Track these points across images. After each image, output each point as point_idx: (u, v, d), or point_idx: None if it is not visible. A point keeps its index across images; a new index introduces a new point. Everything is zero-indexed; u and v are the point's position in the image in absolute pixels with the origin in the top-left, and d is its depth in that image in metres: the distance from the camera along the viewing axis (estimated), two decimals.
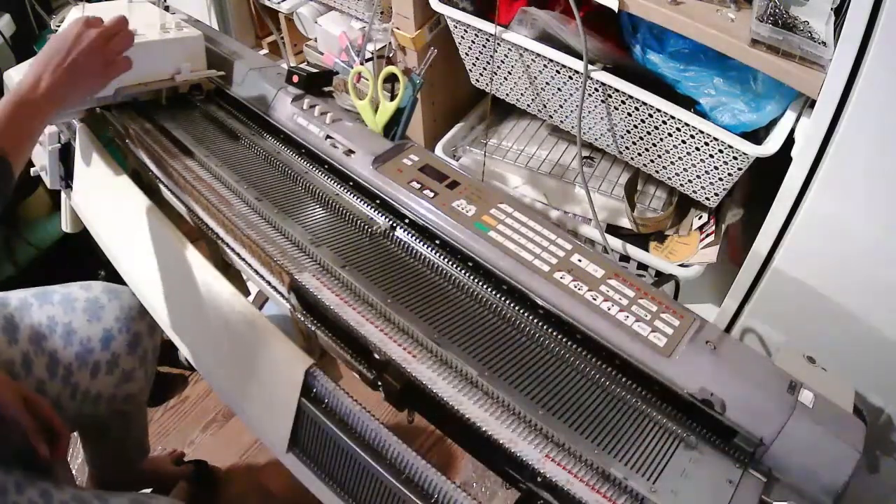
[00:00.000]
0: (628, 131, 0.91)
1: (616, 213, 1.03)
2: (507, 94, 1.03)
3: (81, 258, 1.49)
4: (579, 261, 0.63)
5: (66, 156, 0.87)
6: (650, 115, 0.87)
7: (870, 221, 0.71)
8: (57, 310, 0.85)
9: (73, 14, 0.86)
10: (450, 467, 1.22)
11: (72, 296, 0.88)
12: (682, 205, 1.02)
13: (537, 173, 1.10)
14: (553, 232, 0.66)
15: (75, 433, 1.02)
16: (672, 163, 0.90)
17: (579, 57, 0.86)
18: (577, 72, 0.89)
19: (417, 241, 0.67)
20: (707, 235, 0.96)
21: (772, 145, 0.78)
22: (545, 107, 1.00)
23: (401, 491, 0.52)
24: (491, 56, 0.98)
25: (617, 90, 0.86)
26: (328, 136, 0.76)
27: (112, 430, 1.00)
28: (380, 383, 0.57)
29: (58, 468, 0.75)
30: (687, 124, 0.83)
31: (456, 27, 1.00)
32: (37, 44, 1.40)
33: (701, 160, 0.86)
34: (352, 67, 0.86)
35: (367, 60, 1.06)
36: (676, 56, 0.85)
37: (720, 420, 0.53)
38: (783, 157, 0.76)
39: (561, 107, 0.97)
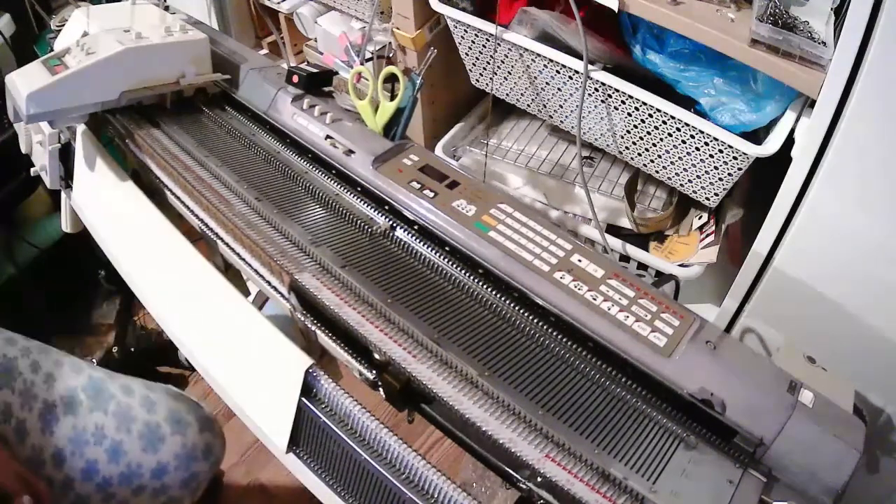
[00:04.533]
0: (628, 131, 0.91)
1: (616, 213, 1.03)
2: (507, 94, 1.03)
3: (81, 258, 1.49)
4: (579, 261, 0.63)
5: (65, 156, 0.87)
6: (650, 115, 0.87)
7: (870, 221, 0.71)
8: (109, 422, 0.79)
9: (77, 16, 0.86)
10: (450, 467, 1.22)
11: (130, 413, 0.80)
12: (682, 205, 1.02)
13: (537, 173, 1.10)
14: (553, 232, 0.66)
15: None
16: (672, 163, 0.90)
17: (579, 57, 0.86)
18: (577, 72, 0.89)
19: (417, 241, 0.67)
20: (707, 235, 0.96)
21: (772, 145, 0.78)
22: (545, 107, 1.00)
23: (401, 491, 0.52)
24: (491, 56, 0.98)
25: (617, 90, 0.86)
26: (328, 136, 0.76)
27: None
28: (380, 383, 0.57)
29: None
30: (687, 124, 0.83)
31: (456, 27, 1.00)
32: (37, 44, 1.40)
33: (701, 160, 0.86)
34: (352, 67, 0.86)
35: (367, 60, 1.06)
36: (676, 56, 0.85)
37: (720, 420, 0.53)
38: (783, 157, 0.76)
39: (561, 107, 0.97)
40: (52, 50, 0.96)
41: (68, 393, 0.78)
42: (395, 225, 0.69)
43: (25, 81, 0.72)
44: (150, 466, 0.80)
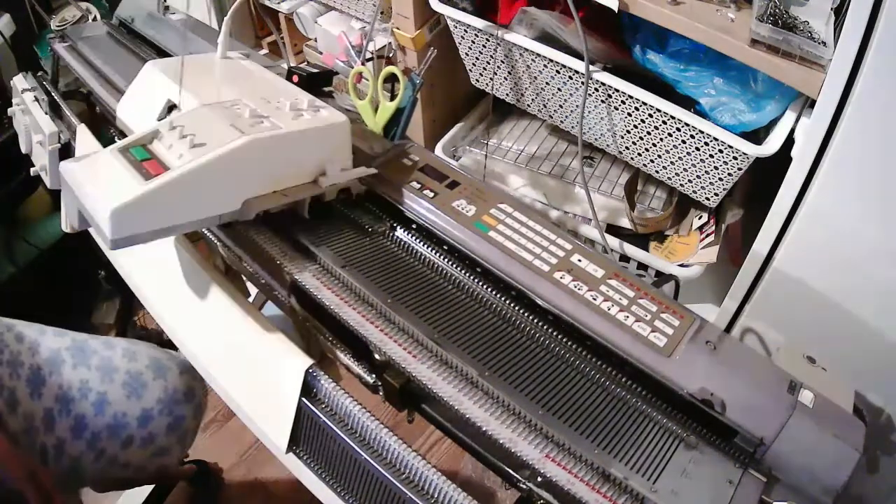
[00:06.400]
0: (628, 131, 0.91)
1: (616, 213, 1.03)
2: (507, 94, 1.03)
3: (81, 258, 1.49)
4: (579, 261, 0.63)
5: (65, 156, 0.87)
6: (650, 115, 0.87)
7: (870, 221, 0.71)
8: (93, 375, 0.80)
9: (149, 72, 0.67)
10: (450, 467, 1.22)
11: (112, 363, 0.82)
12: (682, 205, 1.02)
13: (537, 173, 1.10)
14: (553, 232, 0.66)
15: None
16: (672, 163, 0.90)
17: (579, 57, 0.86)
18: (577, 72, 0.89)
19: (417, 241, 0.67)
20: (707, 235, 0.96)
21: (772, 145, 0.78)
22: (545, 107, 1.00)
23: (401, 491, 0.52)
24: (491, 56, 0.98)
25: (617, 90, 0.86)
26: None
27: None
28: (379, 384, 0.57)
29: None
30: (687, 124, 0.83)
31: (456, 27, 1.00)
32: (37, 44, 1.40)
33: (701, 160, 0.86)
34: (352, 67, 0.86)
35: (368, 60, 1.06)
36: (676, 56, 0.85)
37: (720, 420, 0.53)
38: (783, 157, 0.76)
39: (561, 107, 0.97)
40: (52, 51, 0.96)
41: (52, 354, 0.79)
42: (395, 225, 0.69)
43: (104, 186, 0.52)
44: (135, 414, 0.81)
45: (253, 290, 0.86)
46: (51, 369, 0.78)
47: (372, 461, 0.53)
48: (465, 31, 0.99)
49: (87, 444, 0.79)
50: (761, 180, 0.84)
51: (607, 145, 0.96)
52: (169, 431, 0.85)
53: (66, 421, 0.78)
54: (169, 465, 0.90)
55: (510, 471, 0.51)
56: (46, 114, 0.87)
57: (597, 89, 0.89)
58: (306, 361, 0.57)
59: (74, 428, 0.78)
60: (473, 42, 1.00)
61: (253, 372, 0.63)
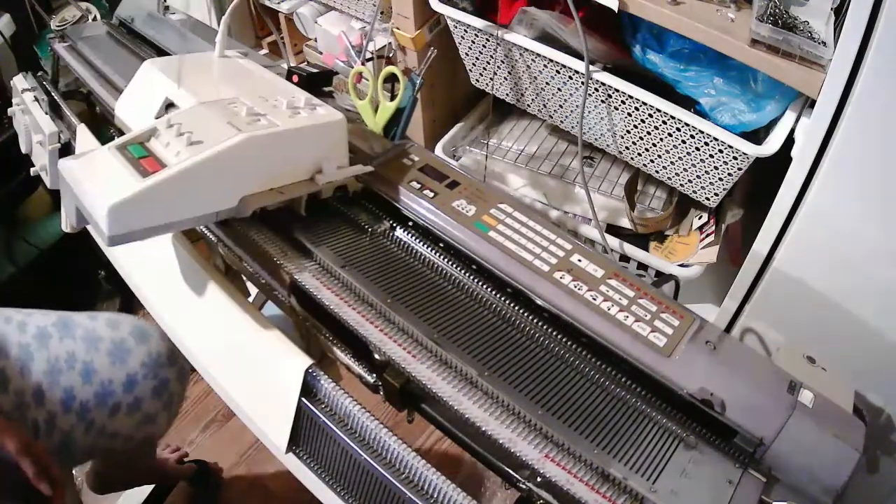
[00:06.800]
0: (628, 131, 0.91)
1: (616, 213, 1.03)
2: (507, 94, 1.03)
3: (81, 258, 1.49)
4: (579, 261, 0.63)
5: (65, 156, 0.87)
6: (650, 115, 0.87)
7: (870, 221, 0.71)
8: (78, 346, 0.82)
9: (147, 71, 0.68)
10: (450, 467, 1.22)
11: (96, 333, 0.84)
12: (682, 205, 1.02)
13: (537, 173, 1.10)
14: (553, 232, 0.66)
15: None
16: (672, 163, 0.90)
17: (579, 57, 0.86)
18: (577, 72, 0.89)
19: (417, 241, 0.67)
20: (707, 235, 0.96)
21: (772, 145, 0.78)
22: (545, 107, 1.00)
23: (401, 491, 0.52)
24: (491, 56, 0.98)
25: (617, 90, 0.86)
26: None
27: (125, 454, 0.98)
28: (379, 384, 0.57)
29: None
30: (687, 124, 0.83)
31: (456, 27, 1.00)
32: (37, 44, 1.41)
33: (701, 160, 0.86)
34: (352, 67, 0.86)
35: (368, 60, 1.06)
36: (676, 56, 0.85)
37: (720, 420, 0.53)
38: (783, 157, 0.76)
39: (561, 107, 0.97)
40: (52, 51, 0.96)
41: (39, 331, 0.81)
42: (394, 225, 0.69)
43: (101, 183, 0.52)
44: (121, 380, 0.82)
45: (253, 290, 0.87)
46: (38, 345, 0.79)
47: (372, 461, 0.53)
48: (465, 31, 0.99)
49: (77, 415, 0.80)
50: (761, 180, 0.84)
51: (607, 145, 0.96)
52: (154, 396, 0.85)
53: (56, 393, 0.79)
54: (156, 434, 0.91)
55: (510, 471, 0.51)
56: (46, 114, 0.87)
57: (597, 89, 0.89)
58: (306, 361, 0.57)
59: (64, 400, 0.79)
60: (473, 42, 1.00)
61: (253, 372, 0.63)
